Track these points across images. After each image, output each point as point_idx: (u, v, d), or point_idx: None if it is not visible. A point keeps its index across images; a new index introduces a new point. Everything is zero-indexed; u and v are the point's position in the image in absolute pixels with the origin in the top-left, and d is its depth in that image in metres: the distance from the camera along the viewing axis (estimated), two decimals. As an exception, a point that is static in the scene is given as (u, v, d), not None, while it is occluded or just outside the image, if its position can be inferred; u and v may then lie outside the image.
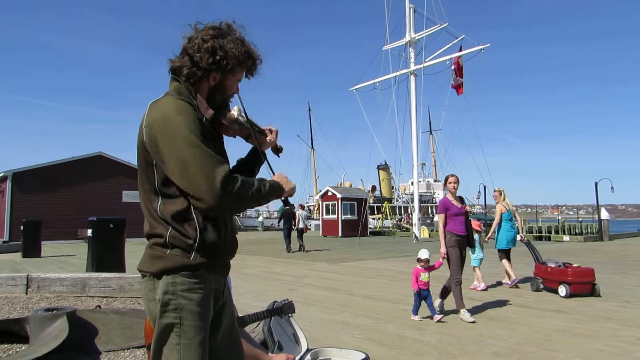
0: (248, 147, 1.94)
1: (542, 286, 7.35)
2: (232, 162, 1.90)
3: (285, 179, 1.73)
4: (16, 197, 21.91)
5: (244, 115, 1.84)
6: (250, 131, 1.85)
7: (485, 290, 7.40)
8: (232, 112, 1.81)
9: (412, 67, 23.31)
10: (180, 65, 1.70)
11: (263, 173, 1.90)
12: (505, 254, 7.98)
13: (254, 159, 1.92)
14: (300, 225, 16.39)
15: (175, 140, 1.52)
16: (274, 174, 1.80)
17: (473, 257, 7.62)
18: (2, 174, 22.64)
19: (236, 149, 1.92)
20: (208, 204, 1.49)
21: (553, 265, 7.24)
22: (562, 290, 6.90)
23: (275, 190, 1.68)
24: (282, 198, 1.74)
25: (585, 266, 7.20)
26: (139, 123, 1.65)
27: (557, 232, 27.87)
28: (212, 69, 1.69)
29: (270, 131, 1.92)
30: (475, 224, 7.77)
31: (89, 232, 9.28)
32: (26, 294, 6.67)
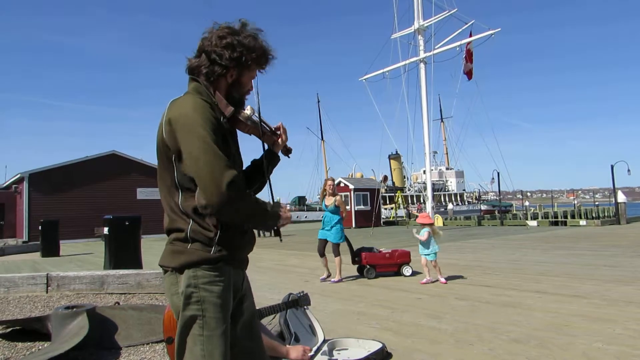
0: (255, 147, 1.97)
1: (375, 272, 7.99)
2: (246, 163, 1.93)
3: (285, 209, 1.77)
4: (33, 198, 22.30)
5: (257, 115, 1.88)
6: (263, 130, 1.89)
7: (445, 283, 6.98)
8: (246, 110, 1.85)
9: (422, 54, 23.04)
10: (198, 64, 1.73)
11: (263, 196, 1.89)
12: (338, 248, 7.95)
13: (268, 160, 1.95)
14: None
15: (190, 137, 1.56)
16: (273, 199, 1.87)
17: (428, 251, 7.20)
18: (18, 176, 23.05)
19: (244, 150, 1.93)
20: (211, 203, 1.51)
21: (384, 251, 8.18)
22: (408, 270, 8.07)
23: (273, 216, 1.71)
24: (276, 227, 1.78)
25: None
26: (158, 121, 1.70)
27: (573, 217, 27.51)
28: (232, 65, 1.72)
29: (282, 132, 1.95)
30: (424, 217, 7.65)
31: (105, 230, 9.41)
32: (46, 292, 6.81)
